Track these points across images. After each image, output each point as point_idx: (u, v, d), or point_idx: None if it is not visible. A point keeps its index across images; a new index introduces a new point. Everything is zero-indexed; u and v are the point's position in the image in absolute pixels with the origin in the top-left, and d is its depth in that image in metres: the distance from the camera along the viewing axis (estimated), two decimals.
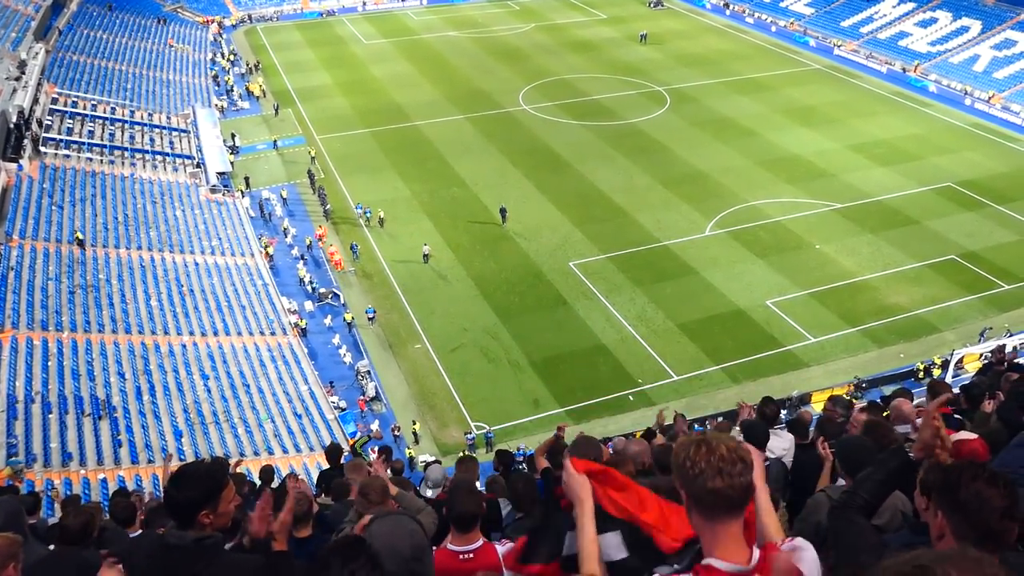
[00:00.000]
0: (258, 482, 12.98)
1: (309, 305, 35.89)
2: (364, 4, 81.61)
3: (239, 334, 33.02)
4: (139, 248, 36.63)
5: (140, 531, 8.37)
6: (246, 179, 45.79)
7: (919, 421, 3.89)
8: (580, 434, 7.51)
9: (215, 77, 60.87)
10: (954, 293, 35.67)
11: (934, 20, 67.36)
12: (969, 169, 47.05)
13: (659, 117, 54.51)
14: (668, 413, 15.42)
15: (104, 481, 23.06)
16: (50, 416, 25.09)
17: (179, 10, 74.88)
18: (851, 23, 70.96)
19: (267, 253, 39.29)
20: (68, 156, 42.42)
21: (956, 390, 9.61)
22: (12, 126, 39.76)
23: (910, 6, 69.67)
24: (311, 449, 27.35)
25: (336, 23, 77.12)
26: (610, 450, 8.89)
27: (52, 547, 6.58)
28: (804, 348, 32.55)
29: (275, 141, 50.84)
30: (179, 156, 47.02)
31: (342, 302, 36.05)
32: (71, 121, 45.97)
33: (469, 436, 28.38)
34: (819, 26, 72.04)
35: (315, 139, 51.32)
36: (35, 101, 43.45)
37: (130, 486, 21.28)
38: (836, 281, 36.43)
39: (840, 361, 31.98)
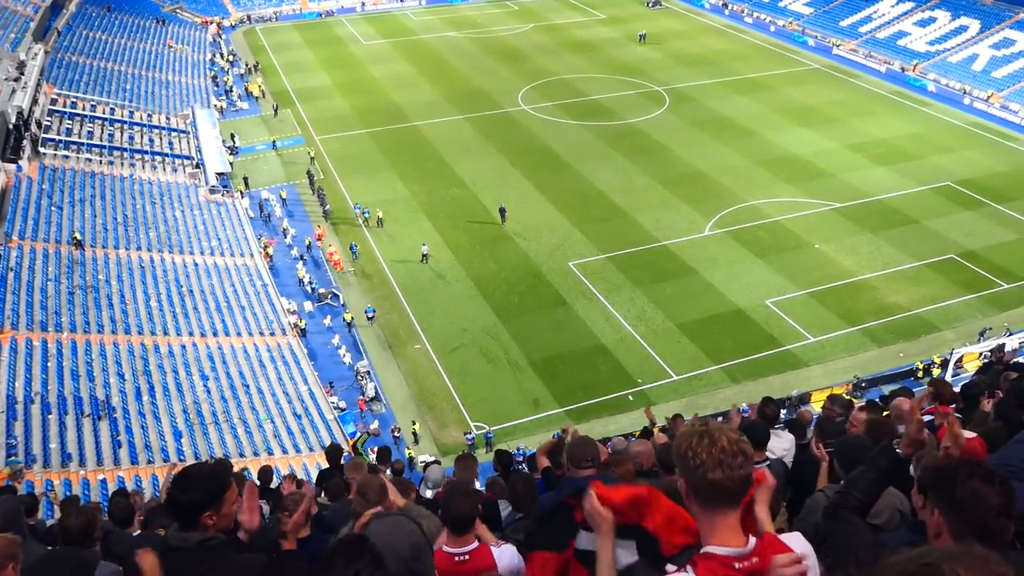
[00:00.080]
0: (257, 482, 12.97)
1: (308, 305, 35.89)
2: (363, 4, 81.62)
3: (239, 335, 33.01)
4: (138, 249, 36.63)
5: (139, 532, 8.36)
6: (245, 180, 45.78)
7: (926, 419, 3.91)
8: (575, 432, 7.49)
9: (214, 78, 60.87)
10: (953, 292, 35.69)
11: (933, 19, 67.38)
12: (968, 168, 47.07)
13: (658, 117, 54.53)
14: (656, 411, 15.52)
15: (104, 482, 23.06)
16: (49, 417, 25.09)
17: (178, 11, 74.87)
18: (850, 23, 70.99)
19: (266, 254, 39.29)
20: (67, 157, 42.43)
21: (956, 389, 9.61)
22: (11, 127, 39.74)
23: (909, 5, 69.70)
24: (311, 449, 27.35)
25: (335, 23, 77.13)
26: (608, 449, 8.90)
27: (52, 547, 6.58)
28: (803, 348, 32.56)
29: (274, 142, 50.83)
30: (178, 157, 47.02)
31: (341, 302, 36.06)
32: (70, 122, 45.97)
33: (469, 436, 28.38)
34: (818, 26, 72.06)
35: (314, 139, 51.32)
36: (34, 102, 43.44)
37: (129, 487, 21.26)
38: (835, 281, 36.45)
39: (839, 360, 31.99)
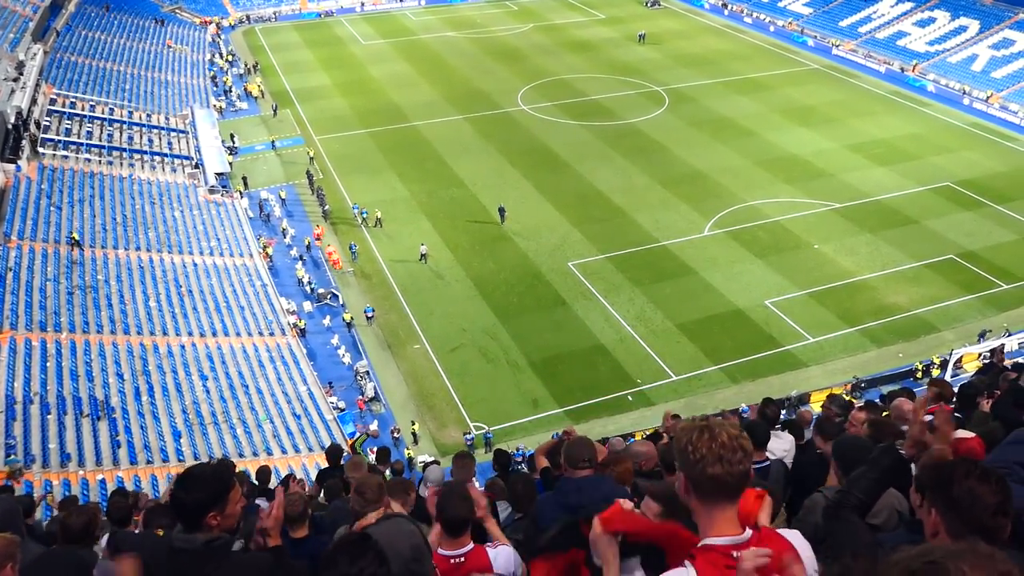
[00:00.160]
0: (256, 483, 12.98)
1: (308, 306, 35.89)
2: (362, 5, 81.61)
3: (238, 335, 33.01)
4: (138, 249, 36.62)
5: (145, 531, 8.35)
6: (244, 180, 45.76)
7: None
8: (574, 432, 7.48)
9: (213, 78, 60.86)
10: (953, 293, 35.69)
11: (932, 20, 67.41)
12: (967, 168, 47.09)
13: (658, 117, 54.54)
14: (655, 411, 15.52)
15: (103, 482, 23.05)
16: (49, 417, 25.08)
17: (177, 11, 74.85)
18: (849, 23, 71.01)
19: (266, 254, 39.28)
20: (66, 157, 42.42)
21: (955, 389, 9.62)
22: (10, 127, 39.73)
23: (908, 6, 69.72)
24: (310, 450, 27.34)
25: (334, 24, 77.12)
26: (607, 449, 8.89)
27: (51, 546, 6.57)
28: (803, 348, 32.56)
29: (273, 142, 50.81)
30: (177, 157, 47.01)
31: (341, 302, 36.05)
32: (69, 122, 45.95)
33: (468, 436, 28.38)
34: (817, 26, 72.08)
35: (314, 140, 51.31)
36: (33, 102, 43.42)
37: (129, 487, 21.26)
38: (835, 281, 36.46)
39: (839, 361, 32.00)
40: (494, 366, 31.86)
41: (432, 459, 24.38)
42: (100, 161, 43.44)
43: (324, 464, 14.27)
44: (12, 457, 22.82)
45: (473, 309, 35.03)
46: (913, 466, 4.13)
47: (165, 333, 31.42)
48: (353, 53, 68.27)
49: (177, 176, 45.00)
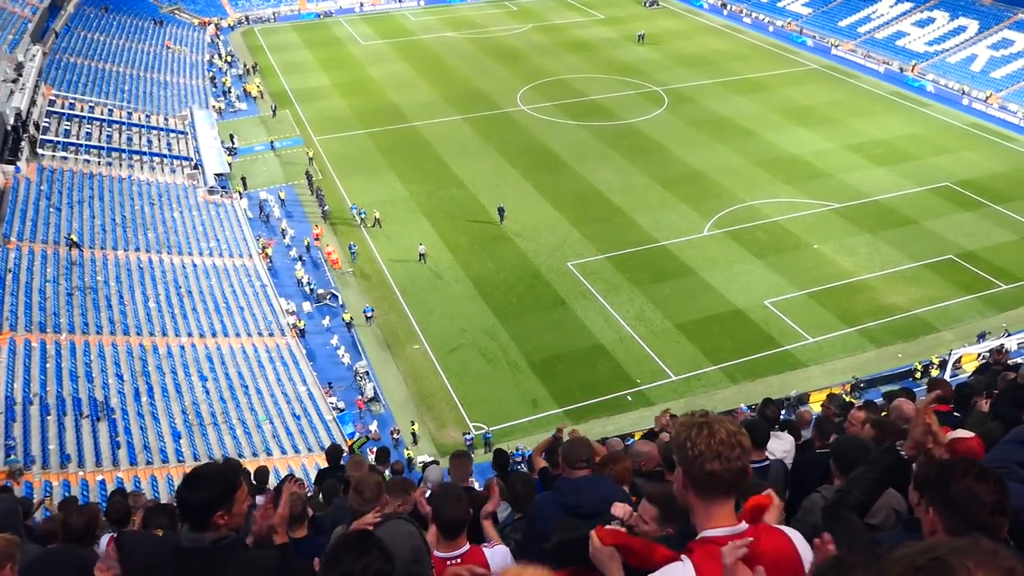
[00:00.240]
0: (254, 483, 12.98)
1: (307, 306, 35.88)
2: (361, 5, 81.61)
3: (237, 335, 33.00)
4: (137, 250, 36.61)
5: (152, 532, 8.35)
6: (243, 180, 45.77)
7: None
8: (573, 432, 7.50)
9: (212, 78, 60.85)
10: (952, 293, 35.70)
11: (931, 20, 67.43)
12: (967, 169, 47.10)
13: (657, 117, 54.55)
14: (654, 411, 15.54)
15: (103, 483, 23.05)
16: (48, 418, 25.08)
17: (176, 12, 74.83)
18: (848, 23, 71.03)
19: (265, 254, 39.28)
20: (66, 158, 42.42)
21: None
22: (9, 128, 39.72)
23: (907, 6, 69.75)
24: (310, 450, 27.34)
25: (333, 24, 77.11)
26: (605, 449, 8.89)
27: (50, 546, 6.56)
28: (802, 348, 32.57)
29: (273, 142, 50.81)
30: (177, 158, 47.01)
31: (340, 303, 36.05)
32: (68, 123, 45.94)
33: (467, 437, 28.37)
34: (816, 26, 72.10)
35: (313, 140, 51.31)
36: (32, 103, 43.40)
37: (128, 488, 21.26)
38: (834, 281, 36.46)
39: (838, 361, 32.00)
40: (493, 366, 31.86)
41: (432, 459, 24.39)
42: (99, 162, 43.43)
43: (324, 464, 14.26)
44: (12, 458, 22.81)
45: (472, 309, 35.03)
46: (913, 466, 4.13)
47: (165, 334, 31.42)
48: (352, 53, 68.27)
49: (176, 177, 45.00)
